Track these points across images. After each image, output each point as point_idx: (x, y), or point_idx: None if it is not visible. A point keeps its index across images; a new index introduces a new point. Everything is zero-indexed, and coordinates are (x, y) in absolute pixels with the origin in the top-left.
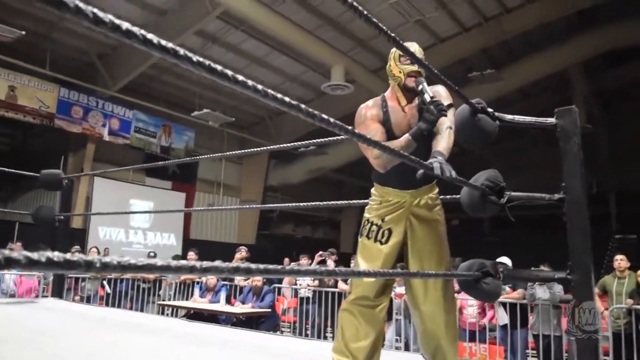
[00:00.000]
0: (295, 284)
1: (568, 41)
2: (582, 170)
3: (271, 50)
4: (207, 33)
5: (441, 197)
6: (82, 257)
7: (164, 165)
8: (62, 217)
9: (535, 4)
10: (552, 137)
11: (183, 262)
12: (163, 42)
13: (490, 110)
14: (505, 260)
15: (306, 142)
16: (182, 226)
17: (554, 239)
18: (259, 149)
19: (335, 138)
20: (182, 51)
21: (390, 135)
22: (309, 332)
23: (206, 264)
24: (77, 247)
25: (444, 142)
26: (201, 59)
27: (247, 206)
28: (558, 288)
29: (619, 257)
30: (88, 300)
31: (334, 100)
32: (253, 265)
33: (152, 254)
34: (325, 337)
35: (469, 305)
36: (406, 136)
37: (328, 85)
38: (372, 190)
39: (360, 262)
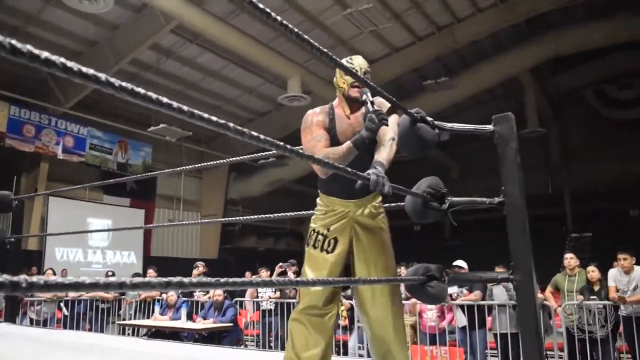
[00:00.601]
0: (257, 297)
1: (517, 48)
2: (519, 175)
3: (227, 63)
4: (161, 47)
5: (387, 205)
6: (7, 278)
7: (122, 182)
8: (12, 239)
9: (485, 13)
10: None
11: (112, 279)
12: (84, 69)
13: (429, 119)
14: (461, 263)
15: (264, 153)
16: (142, 244)
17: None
18: (217, 162)
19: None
20: (103, 77)
21: (335, 142)
22: (272, 344)
23: (137, 280)
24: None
25: (384, 152)
26: (123, 84)
27: (207, 220)
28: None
29: (568, 255)
30: (45, 324)
31: (292, 111)
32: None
33: (110, 273)
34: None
35: (428, 309)
36: (348, 143)
37: (285, 97)
38: (318, 200)
39: (308, 272)
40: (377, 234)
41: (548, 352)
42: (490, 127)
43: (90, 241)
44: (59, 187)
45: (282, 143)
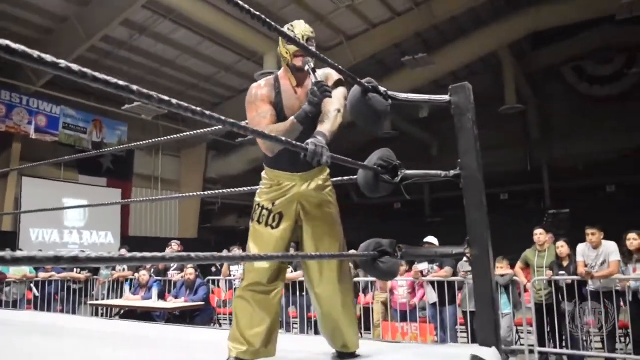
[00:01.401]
0: (230, 276)
1: (496, 24)
2: (476, 146)
3: (202, 40)
4: (134, 23)
5: (339, 179)
6: None
7: (98, 162)
8: None
9: None
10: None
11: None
12: (44, 56)
13: (382, 89)
14: (431, 239)
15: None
16: (120, 224)
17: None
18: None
19: None
20: (63, 64)
21: (282, 116)
22: None
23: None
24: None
25: (328, 124)
26: (84, 70)
27: (178, 195)
28: None
29: (537, 231)
30: (15, 305)
31: None
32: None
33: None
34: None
35: (400, 286)
36: (291, 119)
37: (261, 74)
38: (263, 174)
39: (252, 248)
40: (325, 209)
41: (518, 328)
42: (446, 97)
43: (66, 222)
44: (32, 167)
45: (233, 121)
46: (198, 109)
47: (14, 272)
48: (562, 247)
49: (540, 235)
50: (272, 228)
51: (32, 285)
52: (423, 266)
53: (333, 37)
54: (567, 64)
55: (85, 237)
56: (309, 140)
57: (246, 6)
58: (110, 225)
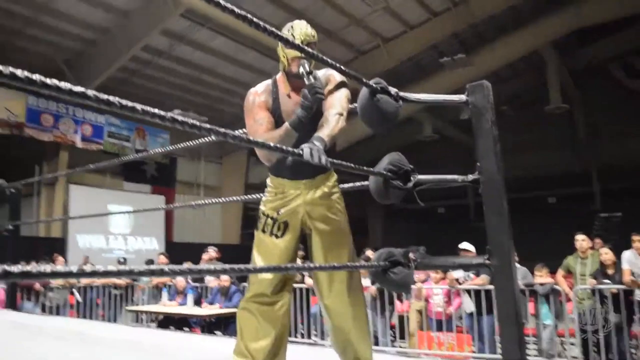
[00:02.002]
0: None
1: (537, 22)
2: (496, 149)
3: (240, 47)
4: (173, 32)
5: (351, 185)
6: None
7: (142, 170)
8: (10, 227)
9: None
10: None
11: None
12: (63, 86)
13: (393, 90)
14: (467, 246)
15: None
16: (164, 230)
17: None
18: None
19: None
20: (65, 85)
21: (280, 122)
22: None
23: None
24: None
25: (327, 128)
26: (101, 95)
27: (220, 200)
28: (522, 272)
29: (579, 237)
30: (57, 310)
31: None
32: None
33: (121, 260)
34: (296, 335)
35: (435, 294)
36: (285, 125)
37: None
38: (268, 181)
39: (256, 258)
40: (333, 217)
41: (561, 339)
42: (463, 97)
43: (112, 228)
44: (79, 175)
45: (246, 137)
46: (192, 121)
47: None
48: (607, 254)
49: (582, 241)
50: (277, 237)
51: (74, 290)
52: (458, 274)
53: (370, 40)
54: (614, 60)
55: (130, 242)
56: (303, 145)
57: (242, 12)
58: (155, 231)
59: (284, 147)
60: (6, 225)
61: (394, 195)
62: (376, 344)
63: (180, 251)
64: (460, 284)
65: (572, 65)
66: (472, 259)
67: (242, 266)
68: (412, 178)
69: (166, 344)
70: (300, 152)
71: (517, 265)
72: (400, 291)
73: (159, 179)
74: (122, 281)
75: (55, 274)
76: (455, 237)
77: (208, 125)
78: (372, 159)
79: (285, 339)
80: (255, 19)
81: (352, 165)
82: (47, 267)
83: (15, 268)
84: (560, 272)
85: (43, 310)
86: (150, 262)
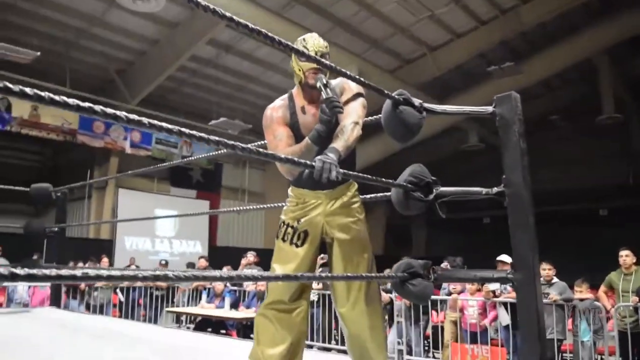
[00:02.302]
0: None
1: (589, 29)
2: (523, 162)
3: (285, 56)
4: (220, 42)
5: (375, 195)
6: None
7: (188, 175)
8: (55, 229)
9: None
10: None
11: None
12: (97, 108)
13: (417, 101)
14: (504, 258)
15: None
16: (208, 234)
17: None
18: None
19: None
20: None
21: (299, 136)
22: (315, 335)
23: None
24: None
25: (341, 139)
26: (131, 116)
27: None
28: (561, 288)
29: (623, 252)
30: (101, 309)
31: None
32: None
33: (163, 262)
34: (330, 341)
35: (470, 306)
36: (305, 140)
37: None
38: (289, 191)
39: (275, 266)
40: (352, 227)
41: (600, 357)
42: (490, 108)
43: (158, 231)
44: (128, 179)
45: (256, 149)
46: (213, 137)
47: None
48: None
49: (626, 257)
50: (297, 246)
51: (117, 290)
52: (494, 286)
53: (415, 49)
54: None
55: (175, 246)
56: (317, 157)
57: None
58: (199, 235)
59: (300, 160)
60: (52, 227)
61: (415, 206)
62: (409, 353)
63: (222, 255)
64: (496, 296)
65: (626, 74)
66: (494, 272)
67: (260, 274)
68: (434, 190)
69: (201, 347)
70: (313, 164)
71: (555, 279)
72: (418, 302)
73: (204, 185)
74: (163, 283)
75: (60, 277)
76: (501, 248)
77: (225, 140)
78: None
79: (301, 346)
80: (269, 34)
81: (369, 176)
82: (76, 270)
83: (22, 271)
84: (602, 288)
85: (87, 308)
86: (191, 265)
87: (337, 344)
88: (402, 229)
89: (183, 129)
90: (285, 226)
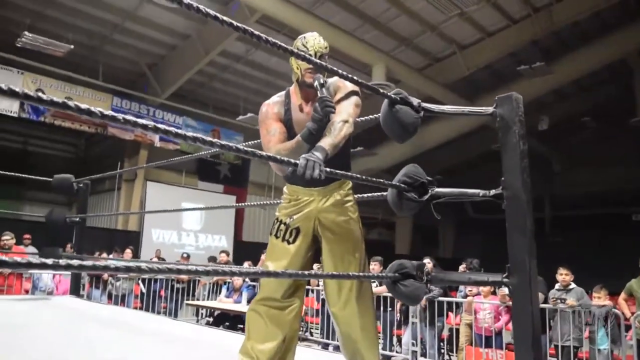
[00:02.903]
0: (318, 285)
1: (623, 29)
2: (523, 164)
3: None
4: (249, 38)
5: (370, 194)
6: None
7: (216, 170)
8: (77, 219)
9: None
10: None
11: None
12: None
13: (415, 101)
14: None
15: None
16: (234, 228)
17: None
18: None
19: None
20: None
21: (292, 133)
22: (331, 335)
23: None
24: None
25: (329, 137)
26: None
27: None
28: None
29: None
30: (123, 299)
31: (378, 99)
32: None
33: (184, 255)
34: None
35: (482, 309)
36: (297, 138)
37: (374, 84)
38: (284, 189)
39: (268, 262)
40: (344, 225)
41: None
42: (490, 109)
43: (185, 224)
44: (156, 172)
45: (245, 148)
46: (202, 137)
47: None
48: None
49: None
50: (289, 243)
51: (140, 281)
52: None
53: (445, 48)
54: None
55: (200, 239)
56: (302, 155)
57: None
58: (225, 230)
59: (282, 158)
60: (73, 217)
61: (408, 207)
62: (424, 355)
63: (246, 250)
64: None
65: None
66: (489, 276)
67: (253, 269)
68: (429, 190)
69: (219, 342)
70: (297, 162)
71: (573, 285)
72: (408, 303)
73: (231, 180)
74: (185, 276)
75: (44, 265)
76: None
77: (221, 141)
78: (446, 167)
79: (294, 343)
80: (270, 39)
81: (358, 175)
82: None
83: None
84: (622, 295)
85: (109, 298)
86: (212, 259)
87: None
88: (429, 229)
89: (186, 133)
90: (278, 223)
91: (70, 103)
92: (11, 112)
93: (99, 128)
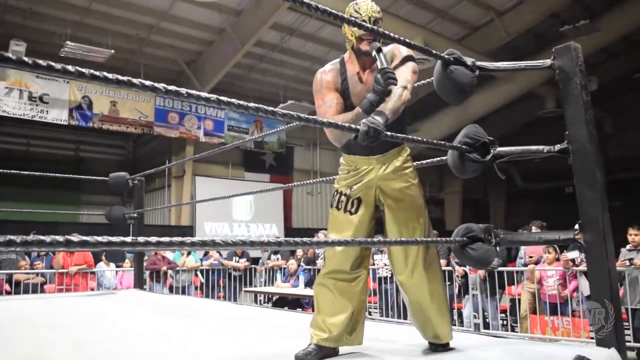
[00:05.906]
0: (373, 264)
1: None
2: (587, 115)
3: None
4: (283, 26)
5: (431, 160)
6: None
7: (261, 160)
8: (135, 214)
9: None
10: None
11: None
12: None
13: (469, 60)
14: None
15: None
16: (283, 216)
17: None
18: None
19: None
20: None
21: (348, 103)
22: (390, 311)
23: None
24: None
25: (390, 102)
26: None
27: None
28: None
29: None
30: (184, 290)
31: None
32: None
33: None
34: (406, 317)
35: (549, 276)
36: (356, 109)
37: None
38: (341, 160)
39: (331, 234)
40: (406, 191)
41: None
42: (548, 61)
43: (235, 216)
44: (204, 167)
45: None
46: (270, 108)
47: (187, 262)
48: None
49: None
50: (351, 214)
51: (198, 272)
52: (573, 254)
53: (483, 15)
54: None
55: (252, 229)
56: (363, 120)
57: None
58: (274, 218)
59: (344, 124)
60: (131, 213)
61: (470, 168)
62: (486, 327)
63: (297, 236)
64: (576, 265)
65: None
66: (559, 234)
67: (317, 239)
68: (491, 150)
69: (287, 322)
70: (358, 128)
71: None
72: (478, 267)
73: (277, 168)
74: (240, 265)
75: (124, 243)
76: None
77: (287, 112)
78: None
79: (362, 315)
80: (320, 6)
81: (419, 138)
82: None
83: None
84: None
85: (170, 291)
86: None
87: None
88: (479, 203)
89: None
90: (338, 194)
91: (57, 65)
92: (61, 120)
93: (145, 128)
